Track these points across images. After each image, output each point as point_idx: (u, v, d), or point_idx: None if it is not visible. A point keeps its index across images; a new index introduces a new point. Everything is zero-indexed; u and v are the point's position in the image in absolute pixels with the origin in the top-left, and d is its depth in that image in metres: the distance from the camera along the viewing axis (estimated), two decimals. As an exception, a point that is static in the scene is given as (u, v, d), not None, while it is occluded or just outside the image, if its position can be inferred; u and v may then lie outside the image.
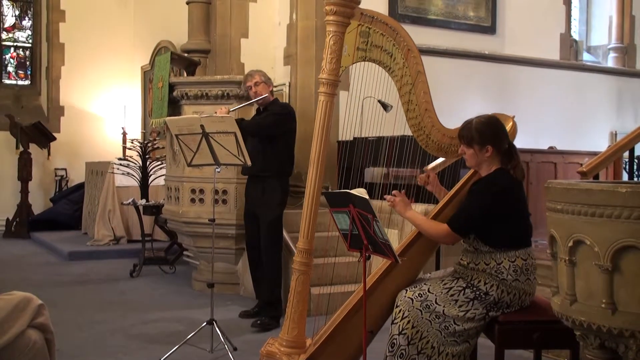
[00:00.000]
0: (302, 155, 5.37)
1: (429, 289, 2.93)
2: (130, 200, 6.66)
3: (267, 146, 4.81)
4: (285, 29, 6.98)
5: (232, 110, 4.75)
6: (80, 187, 9.82)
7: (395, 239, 4.91)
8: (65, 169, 10.66)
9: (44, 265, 7.27)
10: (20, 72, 11.20)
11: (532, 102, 7.83)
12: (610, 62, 9.40)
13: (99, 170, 8.88)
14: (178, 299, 5.60)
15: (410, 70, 3.22)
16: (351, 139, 5.80)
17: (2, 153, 10.16)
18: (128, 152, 8.72)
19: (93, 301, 5.54)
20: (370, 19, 3.22)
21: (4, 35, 11.11)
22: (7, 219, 9.50)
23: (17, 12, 11.22)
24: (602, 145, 7.56)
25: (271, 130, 4.81)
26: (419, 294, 2.91)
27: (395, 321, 2.92)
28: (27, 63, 11.24)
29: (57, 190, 10.51)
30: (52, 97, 10.77)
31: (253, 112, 5.31)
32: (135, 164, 7.06)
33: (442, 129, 3.27)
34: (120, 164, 7.45)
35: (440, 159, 3.54)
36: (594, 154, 5.13)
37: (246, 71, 5.51)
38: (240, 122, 4.55)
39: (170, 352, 3.92)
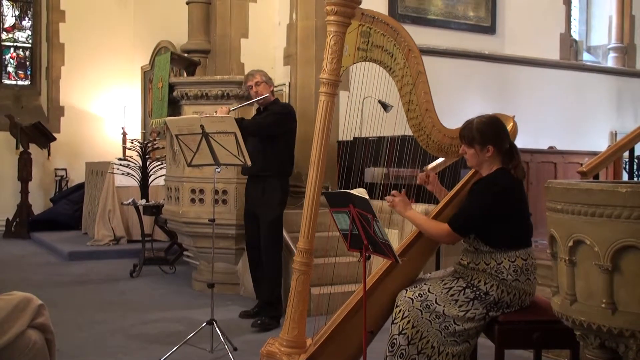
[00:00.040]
0: (302, 155, 5.38)
1: (429, 289, 2.93)
2: (130, 201, 6.66)
3: (268, 146, 4.80)
4: (285, 29, 6.98)
5: (233, 110, 4.75)
6: (80, 187, 9.82)
7: (396, 239, 4.91)
8: (65, 169, 10.66)
9: (44, 265, 7.27)
10: (20, 72, 11.21)
11: (532, 102, 7.83)
12: (610, 62, 9.40)
13: (99, 170, 8.88)
14: (178, 299, 5.60)
15: (411, 71, 3.23)
16: (351, 139, 5.80)
17: (2, 153, 10.16)
18: (128, 152, 8.72)
19: (93, 301, 5.54)
20: (371, 19, 3.22)
21: (4, 36, 11.12)
22: (7, 219, 9.51)
23: (17, 13, 11.23)
24: (602, 145, 7.57)
25: (272, 130, 4.81)
26: (419, 294, 2.91)
27: (395, 321, 2.92)
28: (27, 63, 11.25)
29: (57, 190, 10.51)
30: (52, 97, 10.78)
31: (253, 112, 5.31)
32: (135, 164, 7.06)
33: (443, 129, 3.27)
34: (120, 164, 7.45)
35: (440, 159, 3.54)
36: (594, 153, 5.13)
37: (246, 71, 5.51)
38: (240, 121, 4.55)
39: (171, 352, 3.92)
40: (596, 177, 4.55)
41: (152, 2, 10.08)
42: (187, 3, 7.50)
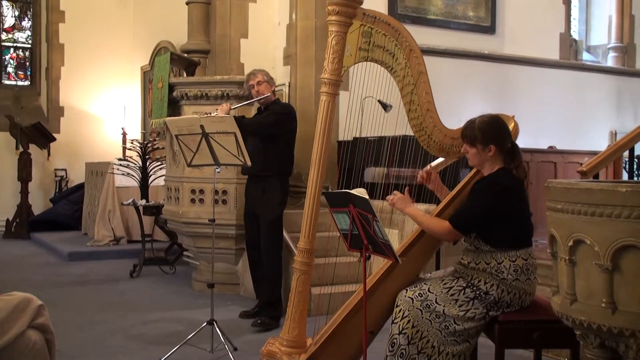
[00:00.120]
0: (302, 155, 5.38)
1: (429, 288, 2.93)
2: (130, 201, 6.66)
3: (268, 146, 4.80)
4: (285, 29, 6.98)
5: (234, 108, 4.75)
6: (80, 187, 9.82)
7: (396, 239, 4.91)
8: (65, 170, 10.66)
9: (44, 265, 7.27)
10: (20, 72, 11.21)
11: (531, 102, 7.83)
12: (610, 62, 9.40)
13: (98, 170, 8.88)
14: (178, 299, 5.60)
15: (412, 71, 3.23)
16: (351, 139, 5.80)
17: (2, 154, 10.16)
18: (128, 153, 8.72)
19: (93, 302, 5.54)
20: (372, 19, 3.22)
21: (4, 36, 11.11)
22: (7, 220, 9.51)
23: (16, 13, 11.22)
24: (601, 144, 7.56)
25: (272, 130, 4.81)
26: (419, 294, 2.91)
27: (396, 321, 2.93)
28: (27, 64, 11.25)
29: (57, 190, 10.51)
30: (52, 97, 10.78)
31: (253, 111, 5.31)
32: (135, 164, 7.06)
33: (444, 129, 3.27)
34: (120, 165, 7.45)
35: (441, 159, 3.54)
36: (594, 153, 5.13)
37: (246, 72, 5.51)
38: (241, 120, 4.55)
39: (171, 352, 3.92)
40: (596, 176, 4.56)
41: (152, 2, 10.08)
42: (187, 3, 7.50)
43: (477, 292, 2.87)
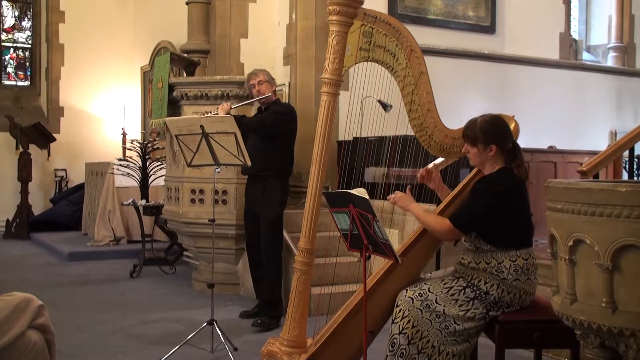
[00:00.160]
0: (301, 155, 5.38)
1: (429, 288, 2.93)
2: (130, 201, 6.66)
3: (268, 146, 4.80)
4: (284, 29, 6.98)
5: (234, 108, 4.75)
6: (80, 187, 9.81)
7: (396, 239, 4.92)
8: (65, 170, 10.66)
9: (44, 266, 7.27)
10: (19, 72, 11.20)
11: (531, 102, 7.83)
12: (610, 62, 9.40)
13: (98, 170, 8.88)
14: (178, 299, 5.60)
15: (413, 71, 3.23)
16: (351, 139, 5.80)
17: (2, 154, 10.16)
18: (128, 153, 8.72)
19: (93, 302, 5.54)
20: (373, 19, 3.22)
21: (4, 36, 11.11)
22: (7, 220, 9.50)
23: (16, 13, 11.22)
24: (601, 144, 7.56)
25: (273, 129, 4.81)
26: (419, 294, 2.91)
27: (396, 321, 2.93)
28: (27, 64, 11.25)
29: (57, 191, 10.51)
30: (52, 97, 10.77)
31: (253, 111, 5.31)
32: (135, 164, 7.06)
33: (445, 129, 3.27)
34: (120, 165, 7.45)
35: (441, 159, 3.54)
36: (594, 153, 5.13)
37: (246, 72, 5.51)
38: (241, 118, 4.55)
39: (171, 352, 3.92)
40: (596, 176, 4.56)
41: (152, 2, 10.08)
42: (187, 3, 7.50)
43: (477, 292, 2.87)
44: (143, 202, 6.72)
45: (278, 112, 4.87)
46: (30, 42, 11.24)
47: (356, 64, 3.28)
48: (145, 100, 9.75)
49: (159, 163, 6.99)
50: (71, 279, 6.54)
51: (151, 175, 7.04)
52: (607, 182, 2.61)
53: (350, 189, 2.79)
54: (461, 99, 7.06)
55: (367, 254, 2.80)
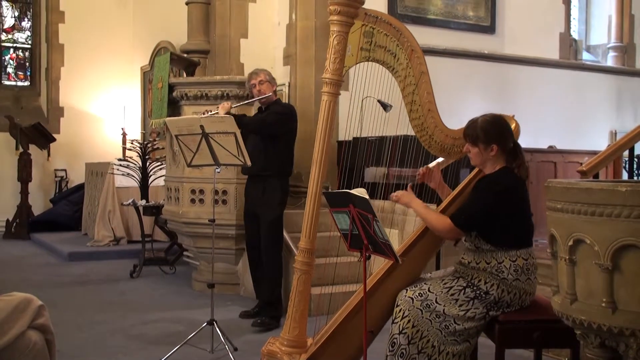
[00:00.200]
0: (301, 155, 5.38)
1: (429, 288, 2.93)
2: (130, 201, 6.66)
3: (269, 145, 4.80)
4: (284, 29, 6.98)
5: (234, 107, 4.75)
6: (80, 188, 9.82)
7: (396, 239, 4.91)
8: (65, 170, 10.66)
9: (44, 266, 7.27)
10: (19, 73, 11.21)
11: (531, 102, 7.83)
12: (610, 62, 9.40)
13: (98, 171, 8.88)
14: (178, 299, 5.60)
15: (413, 71, 3.23)
16: (351, 139, 5.80)
17: (2, 154, 10.16)
18: (128, 153, 8.72)
19: (93, 302, 5.54)
20: (374, 19, 3.22)
21: (4, 37, 11.11)
22: (7, 220, 9.50)
23: (16, 13, 11.22)
24: (601, 144, 7.56)
25: (273, 129, 4.81)
26: (419, 294, 2.91)
27: (396, 320, 2.93)
28: (27, 64, 11.25)
29: (57, 191, 10.51)
30: (52, 98, 10.78)
31: (254, 111, 5.31)
32: (135, 164, 7.06)
33: (445, 129, 3.27)
34: (120, 165, 7.45)
35: (441, 158, 3.54)
36: (594, 153, 5.13)
37: (246, 72, 5.51)
38: (242, 118, 4.55)
39: (171, 352, 3.92)
40: (596, 176, 4.56)
41: (152, 2, 10.08)
42: (187, 3, 7.50)
43: (477, 292, 2.87)
44: (143, 202, 6.72)
45: (278, 112, 4.87)
46: (30, 42, 11.25)
47: (357, 64, 3.28)
48: (145, 101, 9.76)
49: (159, 163, 6.99)
50: (71, 279, 6.54)
51: (151, 176, 7.04)
52: (607, 182, 2.61)
53: (350, 189, 2.79)
54: (461, 99, 7.06)
55: (367, 254, 2.80)
